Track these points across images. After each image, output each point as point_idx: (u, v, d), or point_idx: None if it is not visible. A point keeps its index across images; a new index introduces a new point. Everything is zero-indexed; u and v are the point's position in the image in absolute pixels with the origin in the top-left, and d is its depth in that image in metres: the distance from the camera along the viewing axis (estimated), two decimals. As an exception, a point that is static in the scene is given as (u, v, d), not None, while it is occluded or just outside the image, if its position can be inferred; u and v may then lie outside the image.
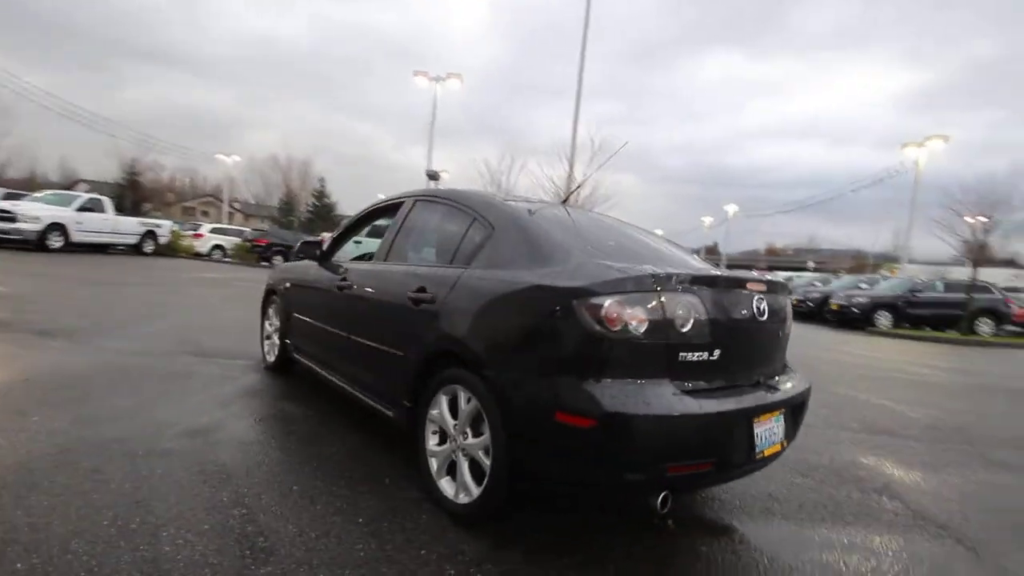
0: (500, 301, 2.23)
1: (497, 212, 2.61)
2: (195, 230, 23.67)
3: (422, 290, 2.63)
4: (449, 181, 20.19)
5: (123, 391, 3.64)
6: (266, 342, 4.77)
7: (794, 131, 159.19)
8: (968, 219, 17.35)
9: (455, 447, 2.37)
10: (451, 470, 2.42)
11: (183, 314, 7.29)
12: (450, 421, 2.40)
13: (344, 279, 3.42)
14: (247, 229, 26.15)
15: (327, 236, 5.04)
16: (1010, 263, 30.53)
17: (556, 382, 1.96)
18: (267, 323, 4.76)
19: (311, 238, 4.08)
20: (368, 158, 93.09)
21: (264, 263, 21.47)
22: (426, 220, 3.19)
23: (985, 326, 15.34)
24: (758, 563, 2.23)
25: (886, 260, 38.40)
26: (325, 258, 3.96)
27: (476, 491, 2.25)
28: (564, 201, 2.99)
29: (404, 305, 2.71)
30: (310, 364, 3.86)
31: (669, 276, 2.02)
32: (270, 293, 4.71)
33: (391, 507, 2.38)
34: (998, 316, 15.62)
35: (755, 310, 2.24)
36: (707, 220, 54.56)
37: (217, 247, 22.09)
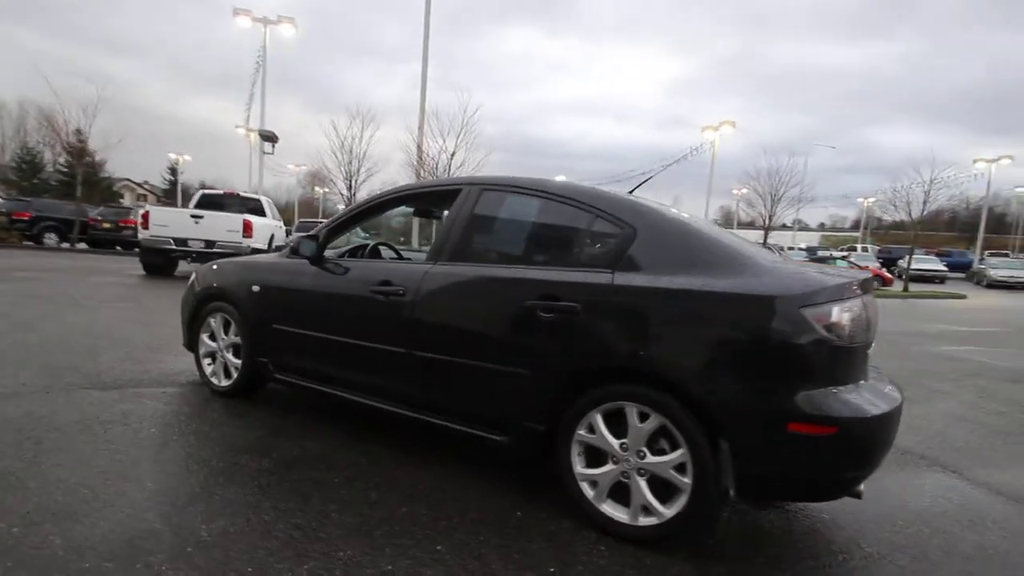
0: (700, 311, 2.09)
1: (634, 211, 2.42)
2: None
3: (550, 297, 2.36)
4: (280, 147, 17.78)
5: (19, 470, 2.48)
6: (207, 363, 3.80)
7: (587, 107, 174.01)
8: (746, 191, 21.30)
9: (626, 468, 2.22)
10: (614, 493, 2.27)
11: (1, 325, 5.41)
12: (613, 441, 2.24)
13: (388, 284, 2.86)
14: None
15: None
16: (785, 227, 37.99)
17: (785, 393, 1.94)
18: (206, 337, 3.78)
19: (305, 233, 3.26)
20: (132, 108, 77.51)
21: (29, 243, 16.89)
22: (509, 214, 2.82)
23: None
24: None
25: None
26: (320, 258, 3.25)
27: (667, 511, 2.14)
28: (631, 192, 2.86)
29: (523, 315, 2.41)
30: (314, 386, 3.20)
31: (861, 281, 2.13)
32: (209, 299, 3.73)
33: (554, 545, 2.15)
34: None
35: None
36: None
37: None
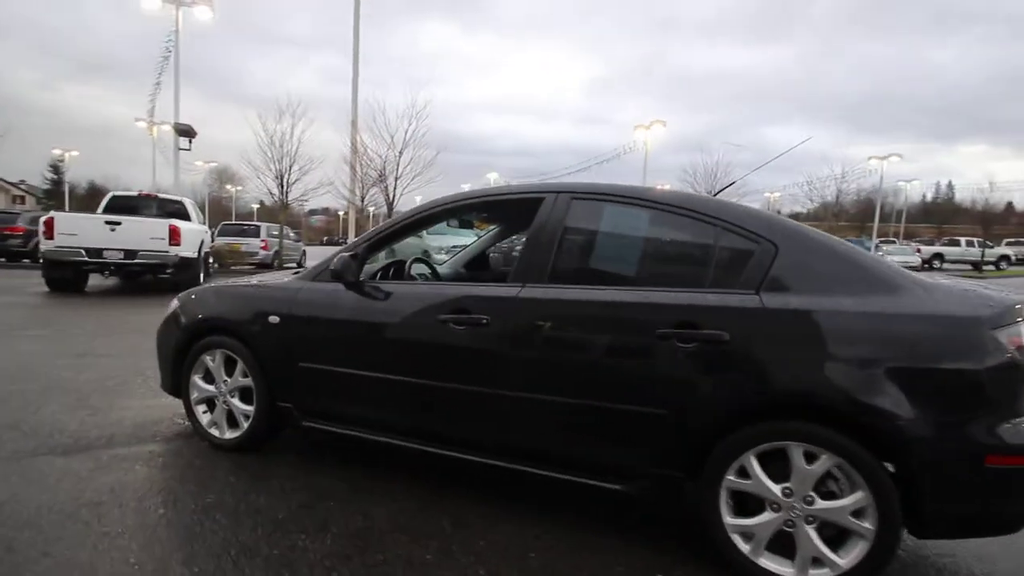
0: (876, 335, 1.91)
1: (769, 224, 2.20)
2: None
3: (689, 325, 2.06)
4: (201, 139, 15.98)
5: None
6: (203, 410, 3.12)
7: (506, 105, 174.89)
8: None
9: (791, 516, 1.96)
10: (773, 544, 2.00)
11: None
12: (772, 486, 1.98)
13: (464, 312, 2.40)
14: None
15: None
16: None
17: (982, 422, 1.81)
18: (199, 379, 3.09)
19: (346, 251, 2.66)
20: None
21: None
22: (612, 228, 2.48)
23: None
24: None
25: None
26: (360, 282, 2.70)
27: (843, 560, 1.91)
28: (716, 194, 2.63)
29: (656, 347, 2.11)
30: (357, 433, 2.69)
31: None
32: (203, 332, 3.06)
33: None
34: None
35: None
36: (466, 187, 55.88)
37: None
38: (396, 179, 14.04)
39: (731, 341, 2.01)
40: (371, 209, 17.92)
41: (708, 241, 2.24)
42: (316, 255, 24.10)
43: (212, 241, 14.07)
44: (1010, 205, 62.95)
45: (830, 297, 1.98)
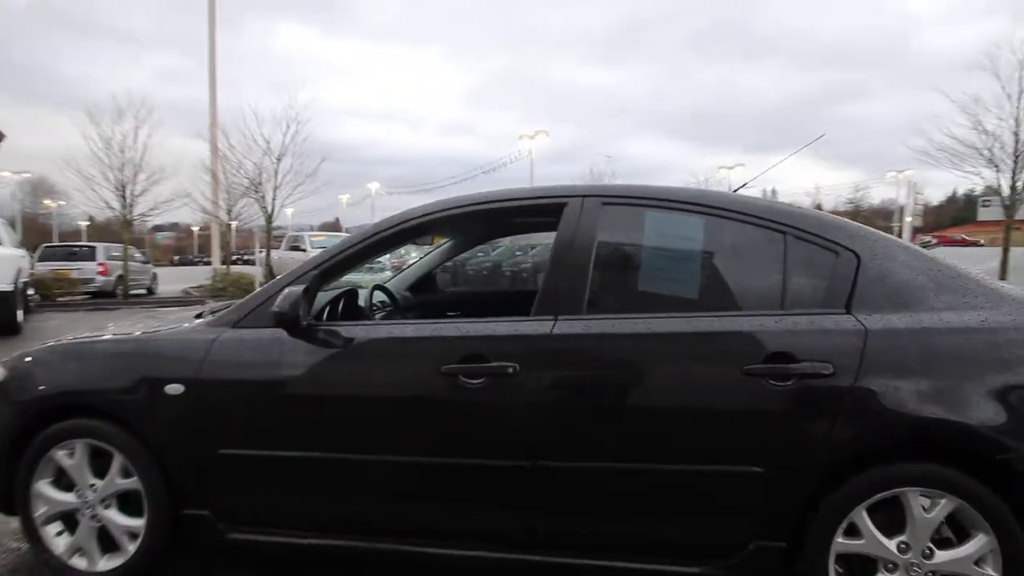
0: (1000, 357, 1.69)
1: (844, 230, 1.89)
2: None
3: (783, 358, 1.69)
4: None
5: None
6: (56, 532, 2.07)
7: (375, 112, 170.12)
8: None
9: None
10: None
11: None
12: (887, 543, 1.67)
13: (479, 360, 1.77)
14: None
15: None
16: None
17: None
18: (47, 487, 2.05)
19: (294, 281, 1.80)
20: None
21: None
22: (657, 239, 2.08)
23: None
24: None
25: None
26: (311, 326, 1.91)
27: None
28: (736, 191, 2.32)
29: (744, 388, 1.72)
30: (320, 541, 1.91)
31: None
32: (51, 415, 2.03)
33: None
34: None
35: None
36: (344, 198, 52.48)
37: None
38: (275, 188, 12.43)
39: (835, 374, 1.67)
40: (235, 223, 15.86)
41: (778, 252, 1.87)
42: (170, 279, 20.91)
43: (31, 268, 11.43)
44: (819, 207, 74.25)
45: (932, 313, 1.73)
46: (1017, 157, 11.65)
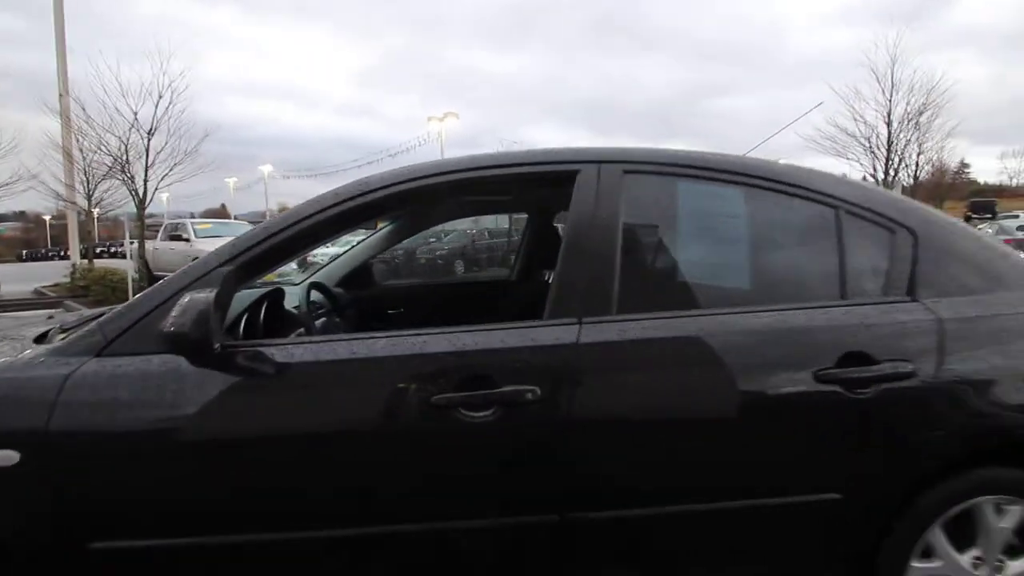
0: None
1: (896, 204, 1.67)
2: None
3: (859, 358, 1.42)
4: None
5: None
6: None
7: (262, 89, 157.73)
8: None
9: None
10: None
11: None
12: (962, 561, 1.51)
13: (485, 384, 1.29)
14: None
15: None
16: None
17: None
18: None
19: (192, 290, 1.16)
20: None
21: None
22: (691, 216, 1.72)
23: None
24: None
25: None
26: (223, 350, 1.29)
27: None
28: None
29: (815, 396, 1.42)
30: None
31: None
32: None
33: None
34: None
35: None
36: (231, 181, 47.73)
37: None
38: (147, 168, 10.63)
39: (914, 373, 1.43)
40: (97, 210, 13.66)
41: (831, 230, 1.59)
42: (17, 276, 17.43)
43: None
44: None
45: (998, 296, 1.56)
46: (890, 146, 12.96)
